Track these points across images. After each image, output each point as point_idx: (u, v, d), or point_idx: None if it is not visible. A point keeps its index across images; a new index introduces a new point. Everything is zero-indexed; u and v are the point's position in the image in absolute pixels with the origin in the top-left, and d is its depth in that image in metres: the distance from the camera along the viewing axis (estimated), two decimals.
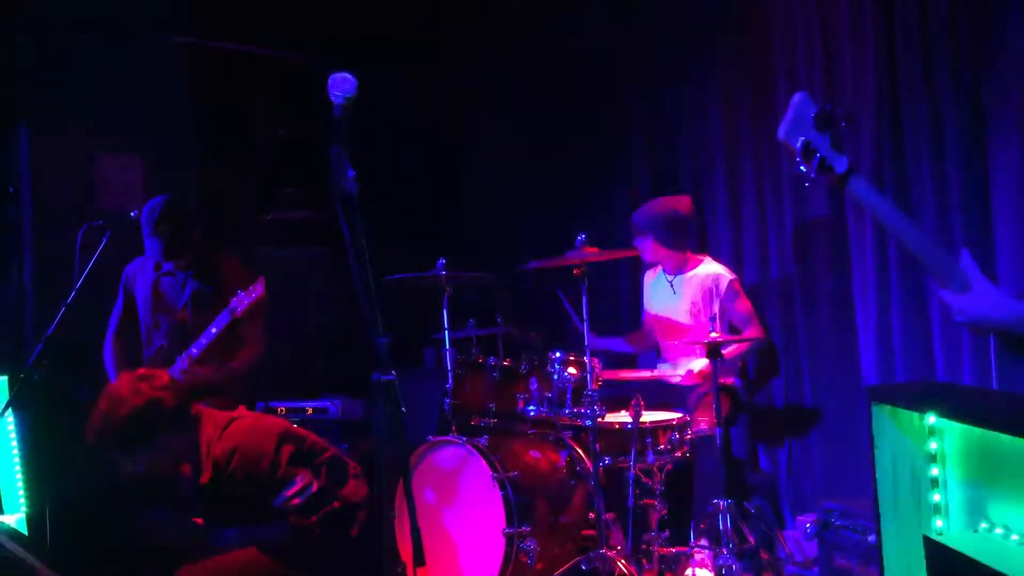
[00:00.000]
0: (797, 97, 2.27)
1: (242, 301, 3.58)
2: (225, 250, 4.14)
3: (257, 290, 3.57)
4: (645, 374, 4.62)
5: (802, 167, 2.24)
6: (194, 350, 3.73)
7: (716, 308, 4.43)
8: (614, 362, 5.05)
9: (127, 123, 4.90)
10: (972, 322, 2.11)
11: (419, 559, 3.10)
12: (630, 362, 5.21)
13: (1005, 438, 1.88)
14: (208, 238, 4.10)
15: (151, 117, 4.98)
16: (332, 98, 2.23)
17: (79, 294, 3.83)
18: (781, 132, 2.25)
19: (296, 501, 3.01)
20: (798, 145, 2.23)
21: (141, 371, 3.11)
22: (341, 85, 2.22)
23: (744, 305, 4.47)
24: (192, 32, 5.29)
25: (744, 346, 4.42)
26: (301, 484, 3.01)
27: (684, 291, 4.57)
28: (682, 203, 4.55)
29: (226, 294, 3.66)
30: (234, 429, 3.10)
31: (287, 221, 5.65)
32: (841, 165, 2.21)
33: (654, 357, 4.87)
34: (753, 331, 4.41)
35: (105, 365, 4.12)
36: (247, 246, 5.40)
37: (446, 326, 4.39)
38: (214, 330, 3.66)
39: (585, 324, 3.93)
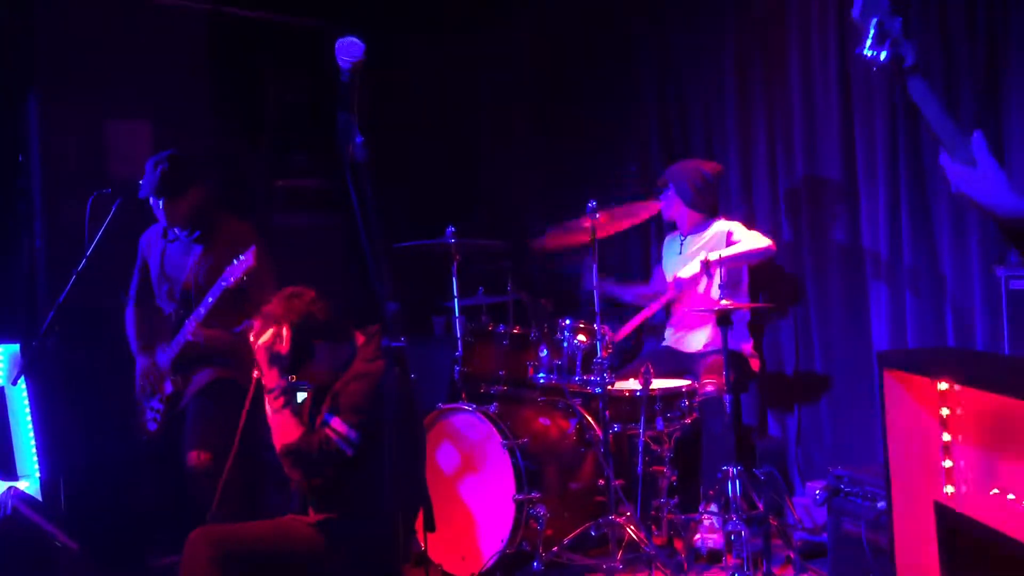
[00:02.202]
0: None
1: (234, 271, 3.58)
2: (236, 217, 4.13)
3: (248, 260, 3.56)
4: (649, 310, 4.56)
5: (871, 51, 2.13)
6: (191, 321, 3.75)
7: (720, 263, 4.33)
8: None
9: (137, 90, 4.88)
10: (965, 196, 2.06)
11: (430, 525, 3.13)
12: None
13: (1017, 403, 1.87)
14: (216, 204, 4.08)
15: (161, 84, 4.95)
16: (340, 63, 2.21)
17: (89, 262, 3.83)
18: (855, 11, 2.13)
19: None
20: (873, 27, 2.12)
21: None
22: (349, 50, 2.20)
23: (751, 232, 4.41)
24: None
25: (747, 252, 4.32)
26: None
27: (691, 251, 4.55)
28: (710, 166, 4.55)
29: (232, 257, 3.66)
30: None
31: (299, 188, 5.64)
32: (910, 56, 2.12)
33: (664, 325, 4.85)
34: (759, 240, 4.32)
35: (127, 333, 4.13)
36: (259, 213, 5.39)
37: (455, 294, 4.39)
38: (210, 299, 3.67)
39: (596, 290, 3.92)
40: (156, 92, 4.93)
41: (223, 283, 3.61)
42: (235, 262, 3.59)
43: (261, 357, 3.01)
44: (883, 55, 2.10)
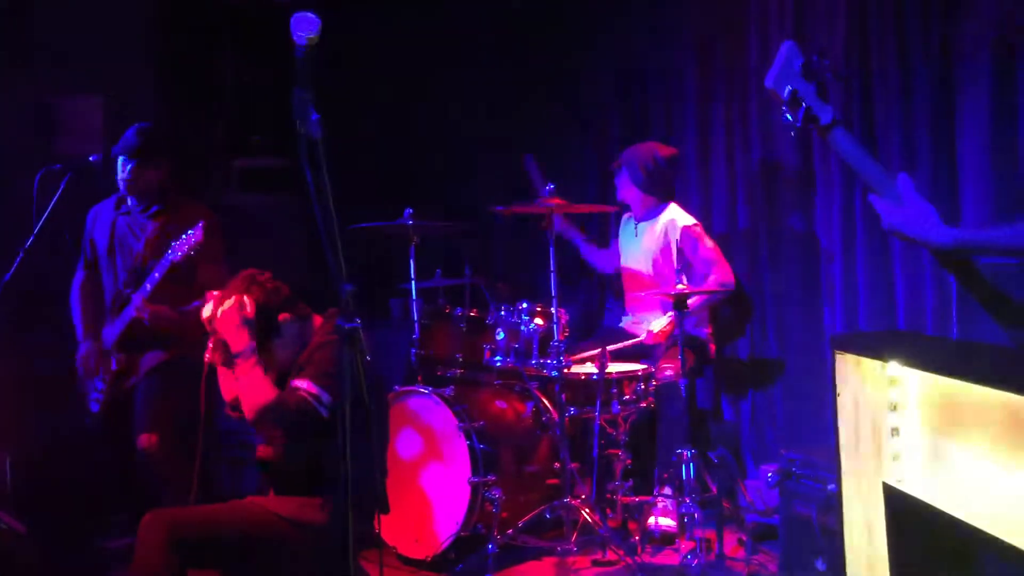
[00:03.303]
0: (785, 46, 2.25)
1: (181, 246, 3.53)
2: (192, 197, 4.08)
3: (196, 235, 3.51)
4: (621, 344, 4.59)
5: (788, 116, 2.24)
6: (138, 296, 3.69)
7: (675, 256, 4.38)
8: (578, 315, 5.08)
9: (88, 65, 4.77)
10: (897, 233, 2.16)
11: (384, 507, 3.12)
12: (593, 319, 5.23)
13: (963, 386, 1.90)
14: (173, 182, 4.02)
15: (114, 60, 4.85)
16: (295, 39, 2.17)
17: (37, 239, 3.75)
18: (769, 80, 2.24)
19: None
20: (785, 94, 2.22)
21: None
22: (304, 25, 2.16)
23: (706, 250, 4.40)
24: None
25: (709, 295, 4.41)
26: None
27: (644, 238, 4.57)
28: (665, 150, 4.52)
29: (171, 242, 3.61)
30: None
31: (256, 168, 5.56)
32: (826, 116, 2.21)
33: (620, 311, 4.87)
34: (718, 276, 4.36)
35: (72, 313, 4.05)
36: (214, 193, 5.31)
37: (412, 276, 4.37)
38: (156, 275, 3.62)
39: (553, 272, 3.92)
40: (109, 68, 4.83)
41: (170, 257, 3.56)
42: (183, 236, 3.54)
43: (226, 323, 2.93)
44: (799, 119, 2.22)
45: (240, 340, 2.93)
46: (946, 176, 3.69)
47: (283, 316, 3.04)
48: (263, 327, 3.00)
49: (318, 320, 3.10)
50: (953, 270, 2.18)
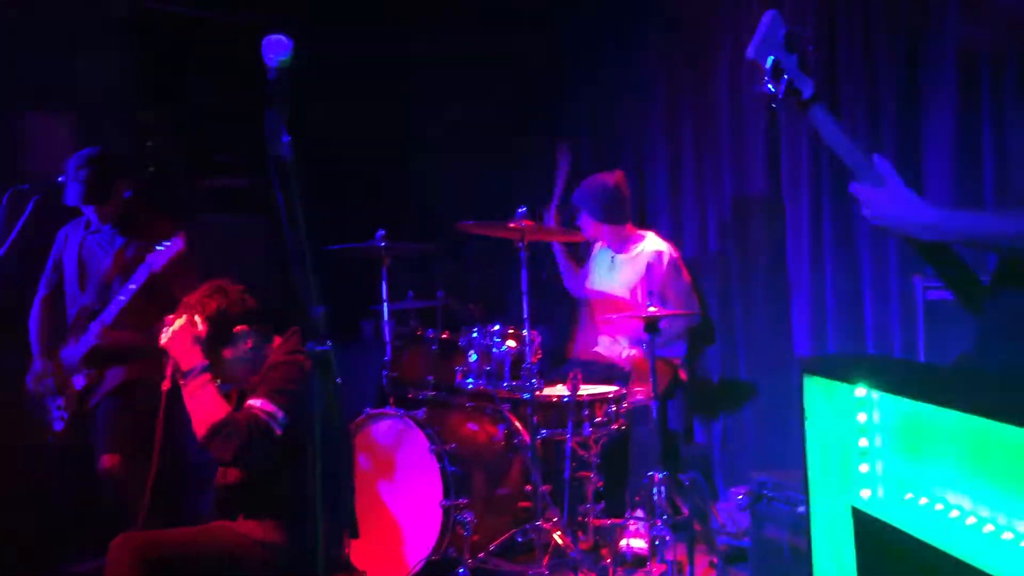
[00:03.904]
0: (768, 16, 2.20)
1: (160, 256, 3.50)
2: (161, 214, 4.05)
3: (177, 244, 3.49)
4: (597, 359, 4.60)
5: (770, 86, 2.20)
6: (113, 307, 3.64)
7: (656, 284, 4.43)
8: (553, 336, 5.07)
9: (58, 82, 4.74)
10: (880, 218, 2.12)
11: (353, 531, 3.10)
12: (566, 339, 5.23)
13: (930, 408, 1.92)
14: (143, 200, 3.99)
15: (84, 77, 4.82)
16: (267, 61, 2.17)
17: (5, 260, 3.71)
18: (751, 51, 2.20)
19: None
20: (768, 64, 2.18)
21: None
22: (276, 48, 2.15)
23: (684, 282, 4.48)
24: None
25: (680, 324, 4.45)
26: None
27: (625, 268, 4.59)
28: (611, 176, 4.54)
29: (147, 254, 3.58)
30: None
31: (224, 187, 5.54)
32: (807, 89, 2.19)
33: (591, 337, 4.88)
34: (689, 304, 4.43)
35: (29, 330, 4.00)
36: (183, 211, 5.28)
37: (384, 297, 4.35)
38: (132, 286, 3.57)
39: (525, 294, 3.93)
40: (79, 86, 4.80)
41: (147, 269, 3.52)
42: (161, 247, 3.51)
43: (177, 342, 2.90)
44: (780, 91, 2.18)
45: (190, 359, 2.89)
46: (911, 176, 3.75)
47: (239, 328, 3.01)
48: (218, 335, 2.97)
49: (278, 340, 3.08)
50: (929, 257, 2.17)
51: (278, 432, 2.80)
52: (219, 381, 2.96)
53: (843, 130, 2.18)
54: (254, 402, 2.84)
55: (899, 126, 3.85)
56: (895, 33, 3.84)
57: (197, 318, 2.95)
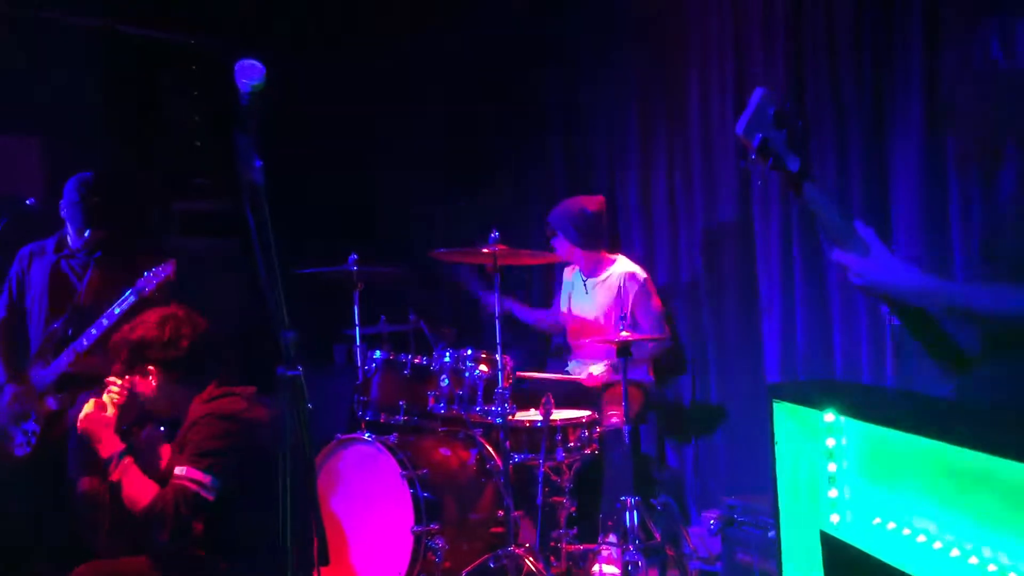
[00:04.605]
0: (757, 94, 2.23)
1: (150, 281, 3.47)
2: (136, 238, 4.02)
3: (167, 270, 3.47)
4: (554, 376, 4.62)
5: (758, 164, 2.22)
6: (95, 332, 3.59)
7: (627, 307, 4.46)
8: (525, 361, 5.07)
9: (25, 105, 4.71)
10: (868, 285, 2.15)
11: (324, 558, 3.05)
12: (540, 363, 5.23)
13: (897, 434, 1.94)
14: (130, 231, 3.97)
15: (52, 100, 4.79)
16: (239, 86, 2.17)
17: None
18: (740, 128, 2.22)
19: None
20: (756, 142, 2.21)
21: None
22: (248, 72, 2.16)
23: (655, 305, 4.50)
24: (100, 14, 5.12)
25: (650, 347, 4.47)
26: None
27: (597, 291, 4.60)
28: (592, 202, 4.57)
29: (132, 276, 3.55)
30: None
31: (196, 211, 5.51)
32: (794, 165, 2.21)
33: (565, 356, 4.89)
34: (658, 329, 4.45)
35: None
36: (155, 235, 5.24)
37: (357, 322, 4.34)
38: (117, 310, 3.53)
39: (498, 320, 3.93)
40: (47, 109, 4.77)
41: (135, 294, 3.49)
42: (148, 274, 3.48)
43: (91, 429, 2.88)
44: (767, 167, 2.20)
45: (107, 447, 2.87)
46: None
47: (152, 368, 2.95)
48: (129, 410, 2.95)
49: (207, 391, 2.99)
50: (905, 317, 2.20)
51: (210, 498, 2.75)
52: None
53: (832, 202, 2.21)
54: (180, 471, 2.77)
55: (866, 179, 3.90)
56: (862, 84, 3.90)
57: (106, 399, 2.93)
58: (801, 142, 2.23)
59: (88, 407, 2.91)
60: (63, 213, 3.85)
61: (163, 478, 2.85)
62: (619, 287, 4.51)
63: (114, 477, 2.83)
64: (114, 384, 2.97)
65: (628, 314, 4.30)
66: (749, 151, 2.24)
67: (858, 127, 3.92)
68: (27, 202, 3.79)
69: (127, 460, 2.84)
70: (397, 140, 5.89)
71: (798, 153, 2.23)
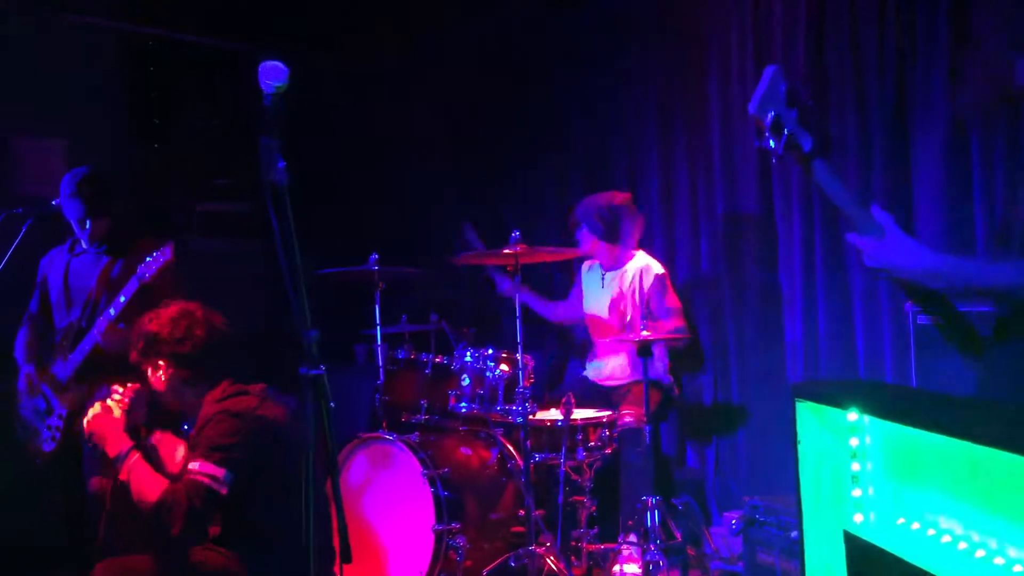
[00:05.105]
0: (769, 71, 2.19)
1: (149, 266, 3.49)
2: (145, 233, 4.05)
3: (165, 254, 3.49)
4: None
5: (771, 142, 2.21)
6: (102, 322, 3.62)
7: (640, 301, 4.43)
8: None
9: (51, 107, 4.76)
10: (882, 267, 2.14)
11: (346, 556, 3.06)
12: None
13: (921, 433, 1.93)
14: (134, 221, 4.00)
15: (77, 102, 4.84)
16: (263, 87, 2.19)
17: None
18: (752, 106, 2.21)
19: None
20: (768, 120, 2.19)
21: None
22: (272, 74, 2.17)
23: (671, 300, 4.46)
24: (122, 17, 5.16)
25: (669, 340, 4.43)
26: None
27: (612, 286, 4.59)
28: (618, 197, 4.56)
29: (137, 264, 3.58)
30: None
31: (219, 212, 5.54)
32: (807, 143, 2.19)
33: (588, 353, 4.88)
34: (676, 323, 4.39)
35: (16, 351, 3.98)
36: (177, 237, 5.27)
37: (378, 322, 4.35)
38: (123, 299, 3.56)
39: (519, 319, 3.93)
40: (71, 111, 4.81)
41: (137, 280, 3.51)
42: (147, 259, 3.50)
43: (98, 431, 2.92)
44: (780, 146, 2.19)
45: (115, 445, 2.89)
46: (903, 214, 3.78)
47: (163, 362, 2.97)
48: (147, 352, 2.97)
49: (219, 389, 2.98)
50: (926, 305, 2.19)
51: (223, 492, 2.74)
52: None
53: (843, 183, 2.20)
54: (193, 465, 2.77)
55: (889, 168, 3.88)
56: (883, 74, 3.88)
57: (111, 402, 2.96)
58: (814, 121, 2.21)
59: (95, 409, 2.94)
60: (64, 211, 3.88)
61: (179, 477, 2.86)
62: (633, 280, 4.49)
63: (123, 476, 2.85)
64: (117, 391, 3.01)
65: (643, 305, 4.28)
66: (763, 129, 2.22)
67: (878, 110, 3.90)
68: (52, 203, 3.83)
69: (135, 457, 2.86)
70: (418, 140, 5.91)
71: (811, 131, 2.21)
